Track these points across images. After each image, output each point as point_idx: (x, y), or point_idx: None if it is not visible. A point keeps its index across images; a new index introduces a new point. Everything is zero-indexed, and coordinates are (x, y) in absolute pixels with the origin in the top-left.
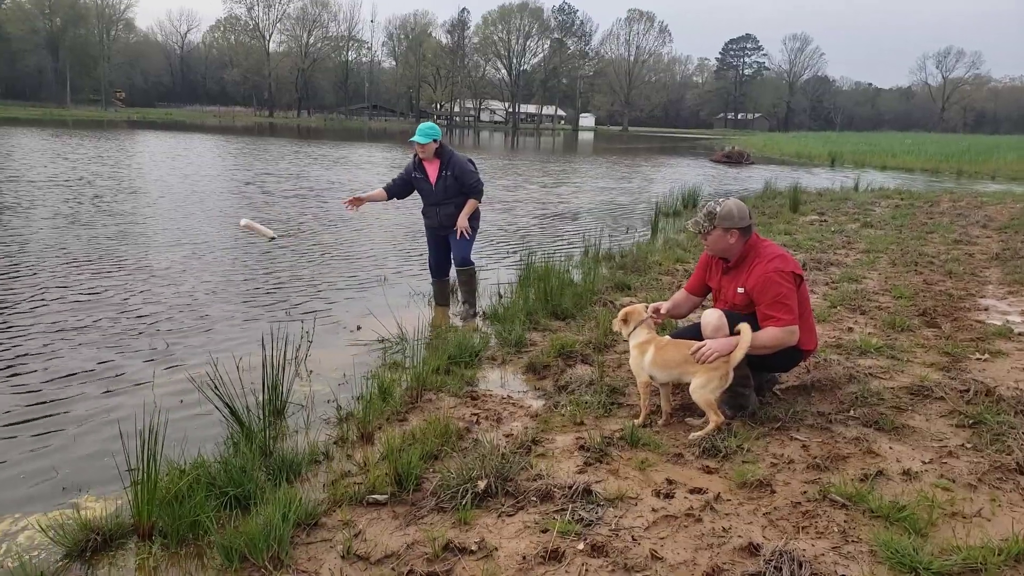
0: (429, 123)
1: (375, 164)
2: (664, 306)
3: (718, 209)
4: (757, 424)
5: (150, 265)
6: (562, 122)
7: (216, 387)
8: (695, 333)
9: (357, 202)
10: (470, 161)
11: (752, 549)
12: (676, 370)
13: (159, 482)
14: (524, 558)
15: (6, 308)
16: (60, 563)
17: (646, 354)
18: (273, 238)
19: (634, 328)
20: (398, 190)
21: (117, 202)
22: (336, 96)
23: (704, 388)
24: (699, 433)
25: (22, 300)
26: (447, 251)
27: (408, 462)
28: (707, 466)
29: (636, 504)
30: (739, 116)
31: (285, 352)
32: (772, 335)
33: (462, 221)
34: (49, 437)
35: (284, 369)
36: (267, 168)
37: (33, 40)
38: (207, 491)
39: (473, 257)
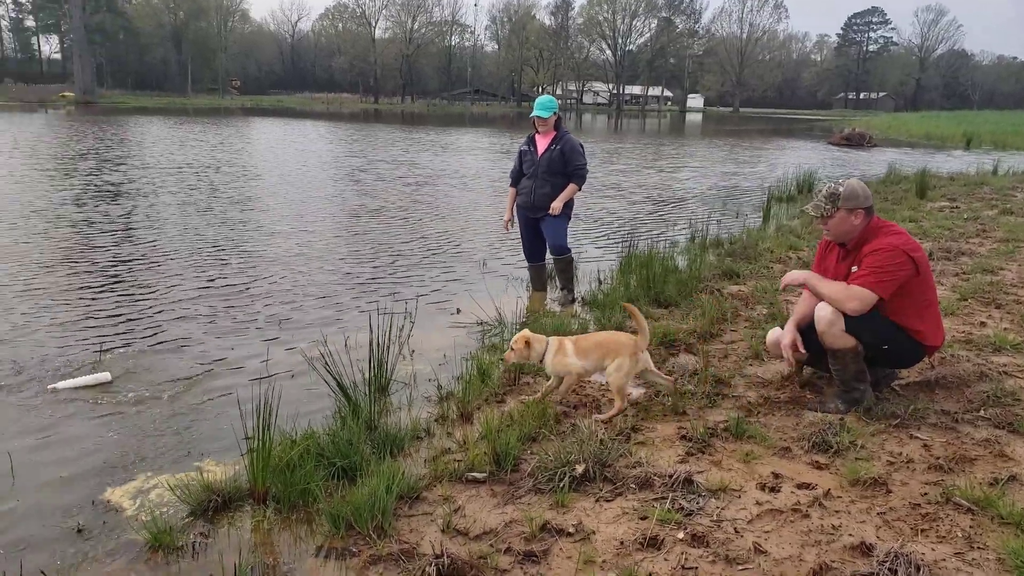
0: (547, 96)
1: (483, 149)
2: (794, 336)
3: (841, 190)
4: (873, 420)
5: (268, 249)
6: (668, 103)
7: (326, 364)
8: (808, 328)
9: (510, 219)
10: (582, 146)
11: (864, 549)
12: (595, 354)
13: (273, 451)
14: (622, 543)
15: (139, 288)
16: (186, 520)
17: (567, 352)
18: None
19: (544, 348)
20: (519, 177)
21: (237, 187)
22: (439, 81)
23: (618, 371)
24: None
25: (153, 280)
26: (539, 236)
27: (506, 443)
28: (817, 461)
29: (739, 496)
30: (861, 95)
31: (389, 332)
32: (835, 288)
33: (557, 203)
34: (175, 406)
35: (388, 348)
36: (378, 155)
37: (159, 34)
38: (316, 461)
39: (571, 243)
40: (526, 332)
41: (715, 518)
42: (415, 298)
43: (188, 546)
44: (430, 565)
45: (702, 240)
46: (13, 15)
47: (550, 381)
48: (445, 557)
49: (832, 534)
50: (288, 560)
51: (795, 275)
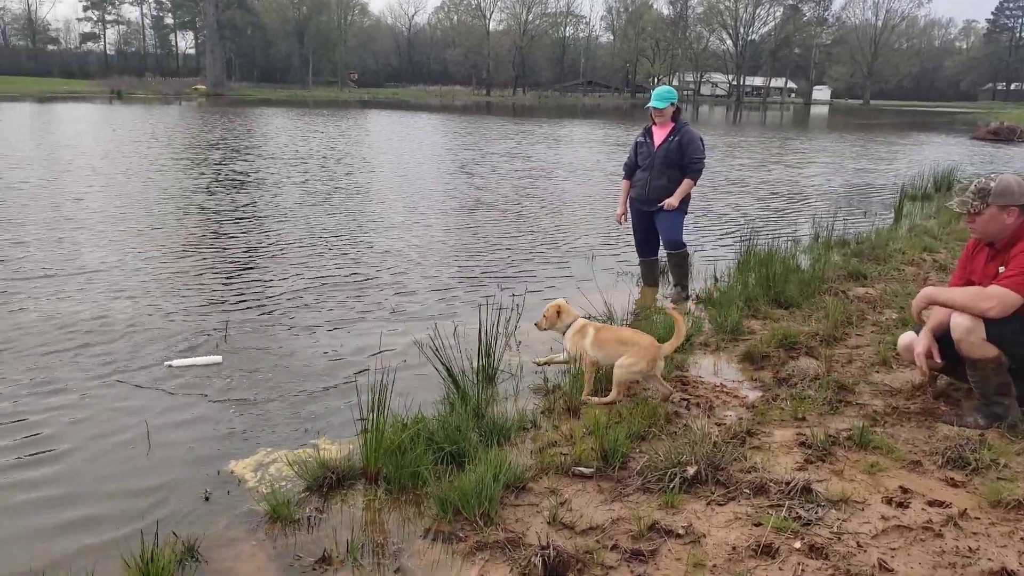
0: (666, 87)
1: (596, 142)
2: (929, 343)
3: (992, 185)
4: (1019, 438)
5: (384, 240)
6: (792, 95)
7: (437, 352)
8: (943, 334)
9: (623, 213)
10: (701, 140)
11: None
12: (612, 349)
13: (385, 433)
14: (734, 549)
15: (261, 274)
16: (302, 494)
17: (587, 336)
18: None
19: (570, 322)
20: (633, 169)
21: (356, 179)
22: (552, 73)
23: (628, 368)
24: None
25: (274, 267)
26: (652, 230)
27: (615, 439)
28: (951, 478)
29: (863, 509)
30: (1012, 86)
31: (498, 324)
32: (967, 293)
33: (673, 200)
34: (293, 387)
35: (496, 339)
36: (492, 147)
37: (284, 29)
38: (426, 445)
39: (686, 238)
40: (560, 301)
41: (835, 530)
42: (523, 291)
43: (304, 519)
44: (536, 556)
45: (826, 239)
46: (154, 13)
47: (563, 355)
48: (551, 549)
49: (968, 557)
50: (397, 540)
51: (917, 301)
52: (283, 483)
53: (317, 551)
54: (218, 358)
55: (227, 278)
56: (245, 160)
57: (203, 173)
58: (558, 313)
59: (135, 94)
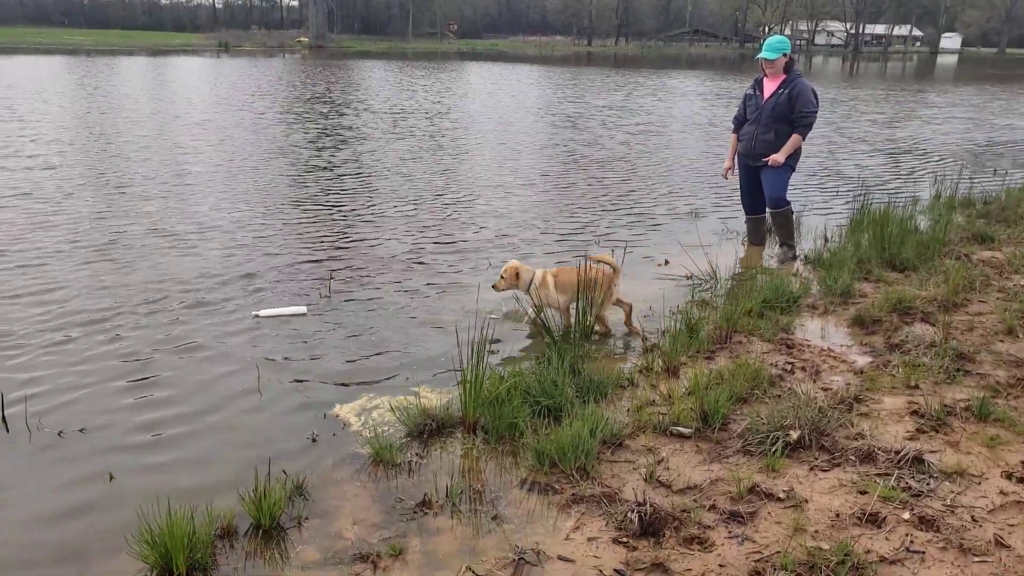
0: (778, 36)
1: (703, 94)
2: None
3: None
4: None
5: (486, 194)
6: (917, 44)
7: (535, 304)
8: None
9: (730, 168)
10: (815, 93)
11: None
12: (573, 290)
13: (483, 384)
14: (837, 516)
15: (364, 230)
16: (403, 439)
17: (550, 286)
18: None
19: (531, 278)
20: (742, 122)
21: (459, 133)
22: (656, 21)
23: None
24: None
25: (375, 222)
26: (758, 186)
27: (715, 400)
28: None
29: (980, 483)
30: None
31: (595, 278)
32: None
33: (779, 156)
34: (395, 336)
35: (592, 296)
36: (596, 100)
37: None
38: (523, 398)
39: (795, 195)
40: (515, 262)
41: (948, 503)
42: (620, 246)
43: (405, 464)
44: (632, 511)
45: (949, 198)
46: None
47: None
48: (648, 505)
49: None
50: (495, 488)
51: None
52: (385, 428)
53: (418, 495)
54: (303, 308)
55: (331, 232)
56: (349, 114)
57: (309, 128)
58: (516, 274)
59: (241, 47)
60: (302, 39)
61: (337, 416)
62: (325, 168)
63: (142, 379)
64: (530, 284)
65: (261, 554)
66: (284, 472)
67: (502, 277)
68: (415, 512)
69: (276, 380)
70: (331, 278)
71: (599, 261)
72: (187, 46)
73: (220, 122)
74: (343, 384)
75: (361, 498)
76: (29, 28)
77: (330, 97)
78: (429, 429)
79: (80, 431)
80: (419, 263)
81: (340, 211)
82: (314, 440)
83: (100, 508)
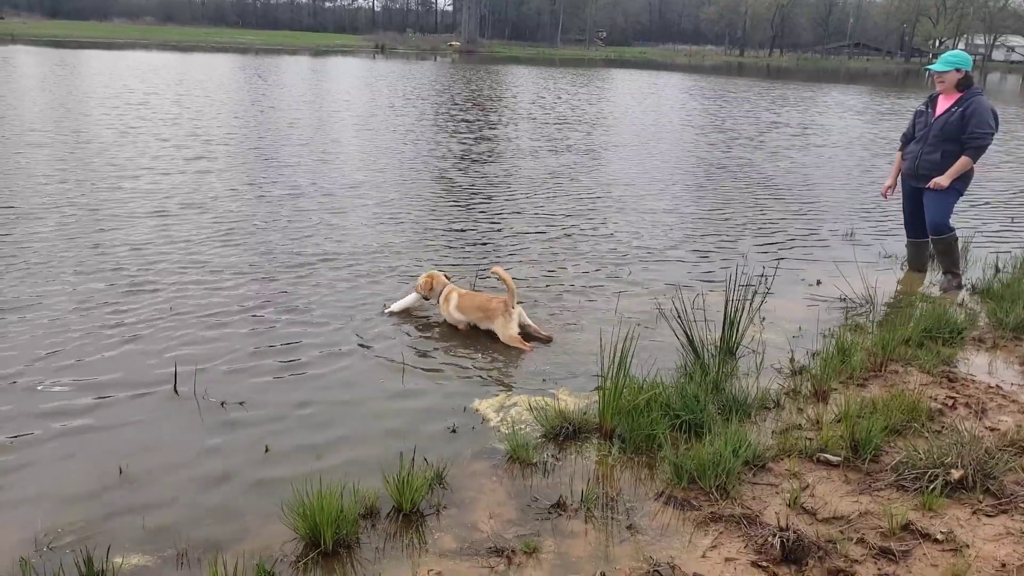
0: (957, 51)
1: (863, 110)
2: None
3: None
4: None
5: (631, 204)
6: None
7: (679, 318)
8: None
9: (891, 186)
10: (994, 113)
11: None
12: (473, 315)
13: (622, 393)
14: (1003, 565)
15: (506, 235)
16: (539, 440)
17: (451, 302)
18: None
19: (439, 292)
20: (909, 140)
21: (606, 141)
22: (814, 34)
23: (502, 330)
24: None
25: (517, 226)
26: (920, 209)
27: (867, 429)
28: None
29: None
30: None
31: (744, 296)
32: None
33: (943, 179)
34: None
35: (740, 311)
36: (742, 110)
37: None
38: (662, 411)
39: (962, 220)
40: (432, 271)
41: None
42: (772, 263)
43: (541, 464)
44: (774, 536)
45: None
46: None
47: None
48: (790, 531)
49: None
50: (629, 498)
51: None
52: (522, 426)
53: (552, 496)
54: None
55: (474, 236)
56: (498, 121)
57: (457, 132)
58: (430, 283)
59: (396, 49)
60: (454, 43)
61: (476, 411)
62: (472, 175)
63: (295, 361)
64: (439, 295)
65: (401, 537)
66: (425, 460)
67: (420, 284)
68: (549, 512)
69: (418, 371)
70: (475, 279)
71: (497, 276)
72: (346, 46)
73: (377, 124)
74: (482, 379)
75: (497, 493)
76: (209, 28)
77: (485, 102)
78: (565, 432)
79: (240, 403)
80: (559, 268)
81: (482, 216)
82: (454, 431)
83: (257, 477)
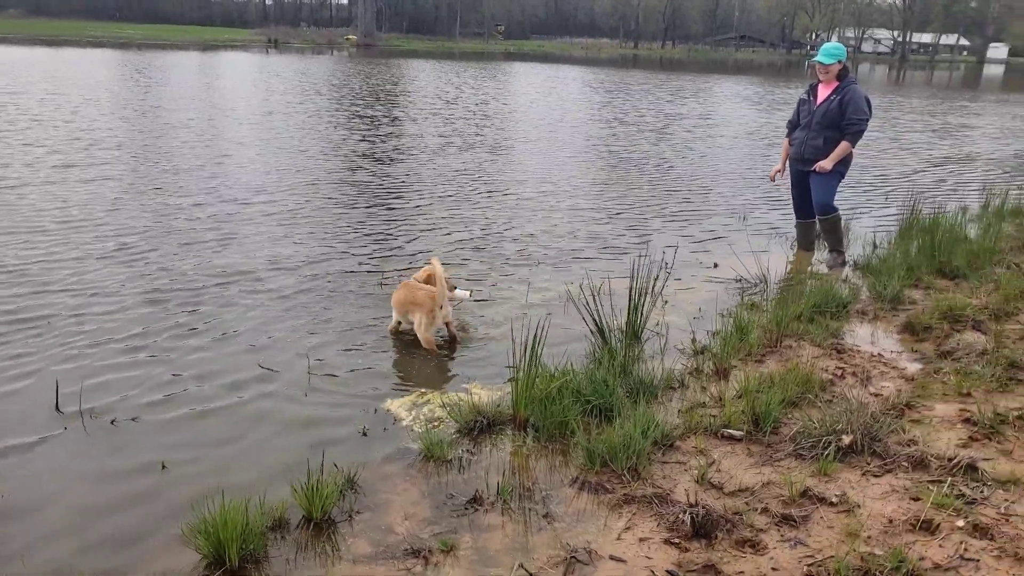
0: (835, 43)
1: (749, 99)
2: None
3: None
4: None
5: (530, 192)
6: (964, 53)
7: (587, 305)
8: None
9: (779, 171)
10: (868, 101)
11: None
12: (401, 309)
13: (534, 382)
14: (890, 521)
15: (407, 230)
16: (454, 435)
17: (394, 295)
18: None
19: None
20: (795, 127)
21: (504, 132)
22: (703, 26)
23: (420, 328)
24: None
25: (421, 223)
26: (808, 191)
27: (766, 403)
28: None
29: None
30: None
31: (646, 281)
32: None
33: (826, 163)
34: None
35: (644, 296)
36: (640, 102)
37: None
38: (573, 397)
39: (845, 201)
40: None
41: (1002, 511)
42: (670, 249)
43: (456, 460)
44: (684, 513)
45: (998, 207)
46: None
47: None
48: (699, 507)
49: None
50: (545, 486)
51: None
52: (436, 424)
53: (468, 491)
54: (466, 294)
55: (377, 232)
56: (403, 117)
57: (361, 129)
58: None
59: (290, 43)
60: (350, 37)
61: (388, 411)
62: (370, 166)
63: (192, 372)
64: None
65: (312, 546)
66: (336, 465)
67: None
68: (466, 508)
69: (326, 372)
70: (381, 276)
71: (427, 277)
72: (236, 41)
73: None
74: (393, 378)
75: (411, 493)
76: (84, 22)
77: (383, 96)
78: (480, 426)
79: (132, 420)
80: (463, 259)
81: (383, 211)
82: (365, 434)
83: (154, 498)
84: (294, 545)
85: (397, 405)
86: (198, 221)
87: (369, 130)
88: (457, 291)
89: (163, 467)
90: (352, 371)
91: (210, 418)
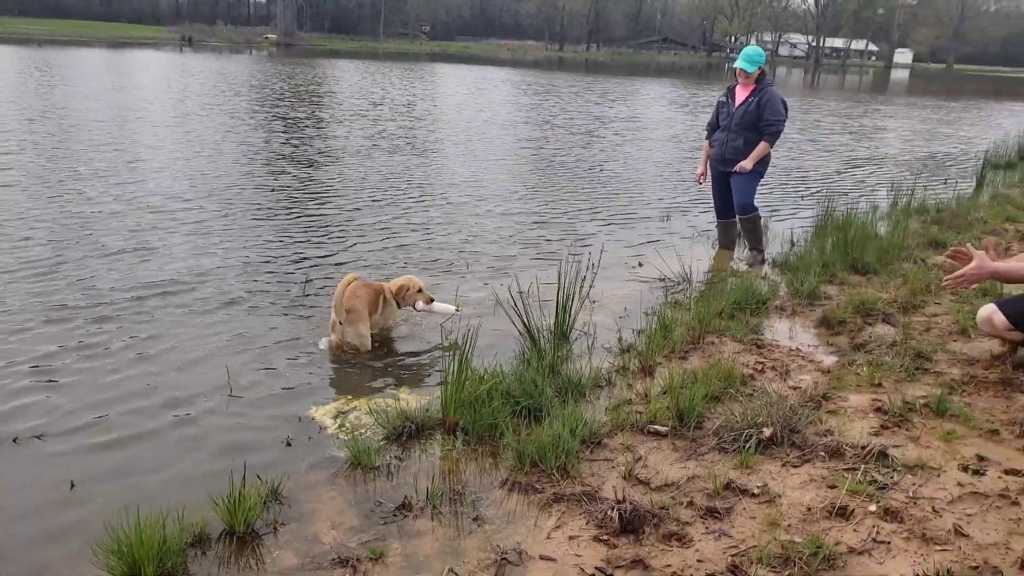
0: (755, 48)
1: (673, 101)
2: (998, 263)
3: None
4: None
5: (456, 195)
6: (872, 58)
7: (515, 306)
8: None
9: (703, 173)
10: (784, 103)
11: None
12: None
13: (464, 385)
14: (809, 509)
15: (334, 233)
16: (382, 442)
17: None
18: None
19: None
20: (715, 129)
21: (429, 134)
22: (627, 29)
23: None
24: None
25: (347, 226)
26: (728, 191)
27: (690, 399)
28: None
29: (939, 476)
30: None
31: (574, 281)
32: None
33: (746, 163)
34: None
35: (571, 296)
36: (567, 105)
37: None
38: (503, 399)
39: (763, 201)
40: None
41: (911, 495)
42: (597, 248)
43: (384, 467)
44: (612, 509)
45: (905, 206)
46: None
47: None
48: (627, 503)
49: None
50: (475, 489)
51: (976, 273)
52: (363, 431)
53: (397, 498)
54: (452, 308)
55: (301, 231)
56: (329, 119)
57: (283, 131)
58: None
59: (206, 41)
60: (270, 36)
61: (313, 419)
62: (293, 169)
63: (105, 391)
64: None
65: (235, 561)
66: (259, 477)
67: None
68: (395, 515)
69: (248, 381)
70: (306, 280)
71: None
72: (148, 39)
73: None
74: (317, 385)
75: (338, 502)
76: None
77: (305, 96)
78: (408, 431)
79: (38, 437)
80: (391, 261)
81: (308, 214)
82: (289, 444)
83: (63, 518)
84: (216, 560)
85: (322, 413)
86: (111, 231)
87: (292, 133)
88: (437, 304)
89: (72, 486)
90: (275, 381)
91: (125, 435)
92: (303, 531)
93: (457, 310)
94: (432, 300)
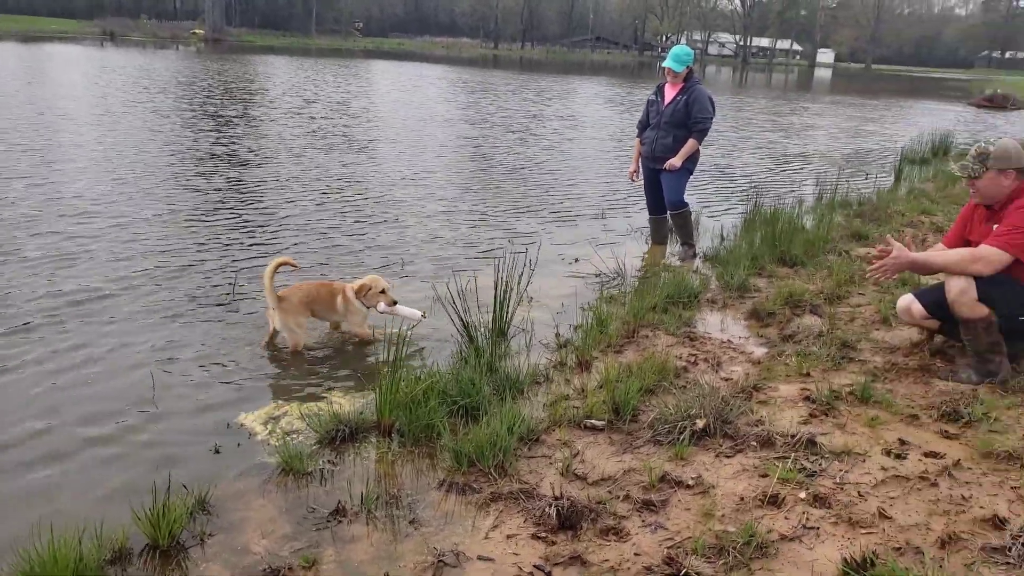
0: (684, 47)
1: (605, 100)
2: (916, 253)
3: (992, 149)
4: (1009, 393)
5: (392, 193)
6: (797, 57)
7: (454, 304)
8: (939, 296)
9: (635, 171)
10: (711, 100)
11: (996, 522)
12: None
13: (399, 386)
14: (742, 499)
15: (266, 231)
16: (314, 447)
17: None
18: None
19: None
20: (645, 127)
21: (365, 132)
22: (560, 27)
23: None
24: None
25: (280, 225)
26: (659, 188)
27: (625, 393)
28: (946, 431)
29: (864, 461)
30: (1006, 55)
31: (510, 278)
32: (953, 256)
33: (676, 160)
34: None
35: (508, 293)
36: (501, 102)
37: None
38: (440, 398)
39: (693, 196)
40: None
41: (838, 481)
42: (533, 245)
43: (317, 472)
44: (550, 506)
45: (830, 200)
46: None
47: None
48: (564, 499)
49: (962, 504)
50: (412, 492)
51: (896, 263)
52: (294, 436)
53: (331, 503)
54: (418, 314)
55: (231, 234)
56: (262, 117)
57: (214, 130)
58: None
59: (129, 36)
60: (197, 31)
61: (241, 425)
62: (231, 167)
63: (23, 397)
64: None
65: (160, 575)
66: (184, 487)
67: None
68: (328, 521)
69: (174, 388)
70: (235, 281)
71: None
72: (66, 33)
73: (113, 123)
74: (247, 390)
75: (269, 509)
76: None
77: (233, 93)
78: (342, 435)
79: None
80: (325, 261)
81: (239, 213)
82: (217, 451)
83: None
84: None
85: (252, 419)
86: (28, 238)
87: (223, 132)
88: (401, 307)
89: None
90: (203, 389)
91: (42, 453)
92: (232, 541)
93: (423, 316)
94: (395, 303)
